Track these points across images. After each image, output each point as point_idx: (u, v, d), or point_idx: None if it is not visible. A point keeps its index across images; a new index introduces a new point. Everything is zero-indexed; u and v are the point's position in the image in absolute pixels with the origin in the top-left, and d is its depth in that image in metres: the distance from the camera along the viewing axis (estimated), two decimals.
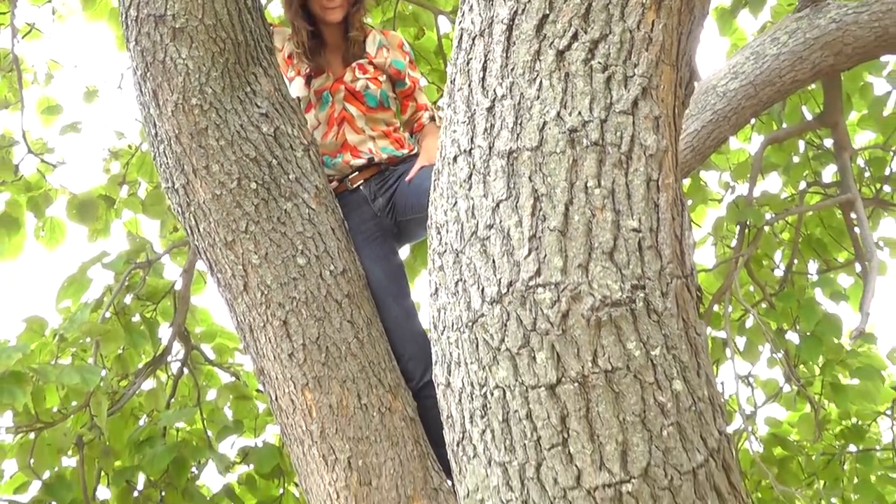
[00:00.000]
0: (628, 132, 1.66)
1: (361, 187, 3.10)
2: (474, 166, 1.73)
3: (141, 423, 4.47)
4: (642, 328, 1.60)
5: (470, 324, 1.69)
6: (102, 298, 4.01)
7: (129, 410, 4.42)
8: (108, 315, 4.01)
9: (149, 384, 4.67)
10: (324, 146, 3.11)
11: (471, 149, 1.74)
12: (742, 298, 4.64)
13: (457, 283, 1.73)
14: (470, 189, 1.73)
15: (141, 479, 4.35)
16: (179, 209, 2.84)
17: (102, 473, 4.08)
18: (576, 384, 1.59)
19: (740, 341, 5.44)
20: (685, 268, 1.67)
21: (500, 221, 1.67)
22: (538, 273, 1.62)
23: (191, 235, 2.87)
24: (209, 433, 4.56)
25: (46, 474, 3.83)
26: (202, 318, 4.60)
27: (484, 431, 1.70)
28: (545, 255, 1.62)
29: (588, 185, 1.64)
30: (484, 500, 1.73)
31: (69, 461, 3.95)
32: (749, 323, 5.35)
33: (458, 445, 1.78)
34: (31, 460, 3.60)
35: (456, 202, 1.75)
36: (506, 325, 1.64)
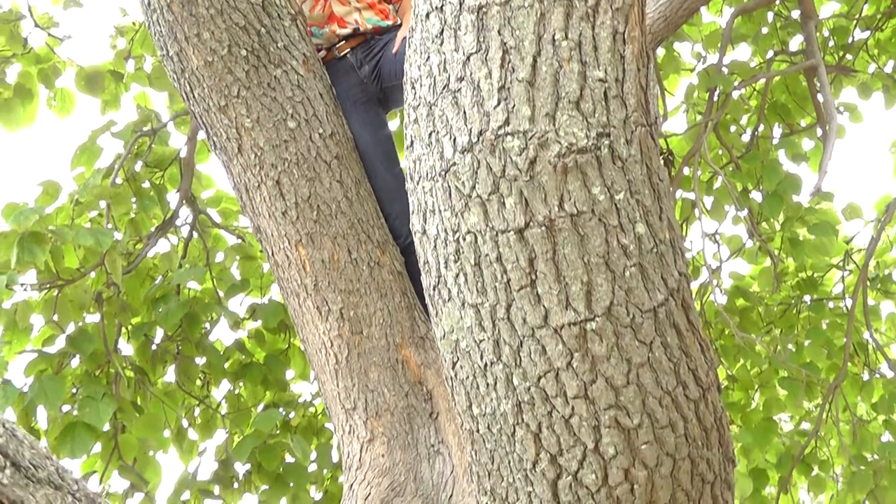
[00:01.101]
0: None
1: (348, 55, 3.01)
2: (445, 22, 1.63)
3: (156, 282, 4.44)
4: (607, 174, 1.53)
5: (443, 172, 1.62)
6: (113, 165, 3.93)
7: (145, 271, 4.38)
8: (118, 181, 3.94)
9: (164, 247, 4.65)
10: (312, 18, 3.00)
11: (442, 5, 1.64)
12: (710, 161, 4.55)
13: (430, 135, 1.65)
14: (441, 44, 1.63)
15: (159, 333, 4.35)
16: (175, 76, 2.76)
17: (122, 328, 4.07)
18: (543, 228, 1.53)
19: (708, 201, 5.39)
20: (649, 117, 1.59)
21: (471, 74, 1.58)
22: (507, 122, 1.54)
23: (187, 101, 2.79)
24: (219, 292, 4.54)
25: (71, 328, 3.83)
26: (207, 183, 4.52)
27: (457, 275, 1.64)
28: (514, 105, 1.53)
29: (556, 37, 1.54)
30: (458, 341, 1.69)
31: (92, 317, 3.93)
32: (717, 184, 5.29)
33: (433, 290, 1.73)
34: (55, 316, 3.58)
35: (429, 57, 1.66)
36: (476, 173, 1.57)
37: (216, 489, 4.45)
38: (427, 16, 1.67)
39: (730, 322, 4.45)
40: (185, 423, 4.73)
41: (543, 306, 1.55)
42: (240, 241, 4.66)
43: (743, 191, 5.16)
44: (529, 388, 1.60)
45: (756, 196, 5.18)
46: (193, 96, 2.73)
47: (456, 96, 1.60)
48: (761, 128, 5.34)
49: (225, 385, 4.87)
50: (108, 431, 3.71)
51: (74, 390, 3.66)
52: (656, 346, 1.55)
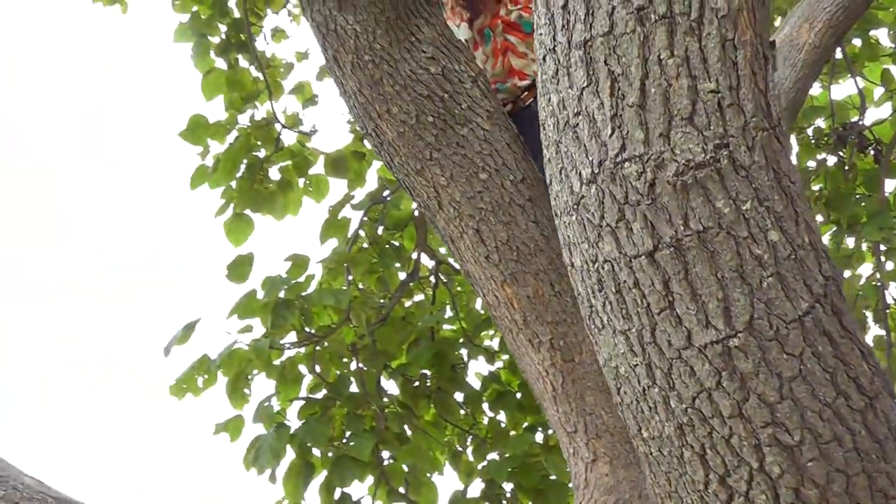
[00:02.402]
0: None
1: (532, 104, 2.94)
2: (559, 62, 1.50)
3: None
4: (730, 185, 1.34)
5: (575, 206, 1.49)
6: (357, 232, 4.07)
7: (401, 318, 4.48)
8: (365, 246, 4.07)
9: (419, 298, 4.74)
10: (493, 75, 2.96)
11: (554, 46, 1.52)
12: None
13: (560, 171, 1.53)
14: (558, 83, 1.51)
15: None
16: (376, 149, 2.80)
17: (382, 371, 4.17)
18: (671, 249, 1.36)
19: None
20: (772, 119, 1.38)
21: (585, 107, 1.44)
22: (623, 149, 1.39)
23: (390, 169, 2.82)
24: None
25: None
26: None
27: (604, 304, 1.50)
28: (627, 131, 1.38)
29: (661, 56, 1.38)
30: (617, 367, 1.54)
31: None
32: None
33: (589, 319, 1.59)
34: (317, 367, 3.72)
35: (550, 98, 1.54)
36: (602, 203, 1.42)
37: None
38: (544, 59, 1.56)
39: None
40: (460, 448, 4.77)
41: (685, 327, 1.38)
42: None
43: None
44: (686, 410, 1.42)
45: None
46: (394, 164, 2.75)
47: (575, 131, 1.47)
48: None
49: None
50: (374, 462, 3.79)
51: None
52: (807, 357, 1.33)
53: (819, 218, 4.71)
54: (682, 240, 1.35)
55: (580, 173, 1.46)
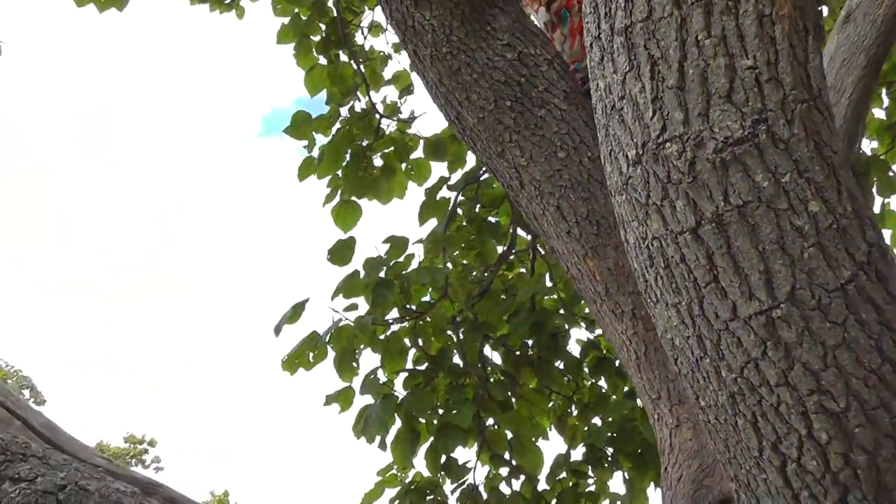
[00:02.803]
0: None
1: None
2: (604, 48, 1.51)
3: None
4: (769, 159, 1.32)
5: (624, 186, 1.49)
6: (455, 211, 4.12)
7: (502, 291, 4.52)
8: (464, 224, 4.13)
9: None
10: (571, 55, 2.94)
11: (599, 34, 1.52)
12: None
13: (610, 153, 1.53)
14: (604, 69, 1.51)
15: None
16: (460, 134, 2.84)
17: (485, 343, 4.23)
18: (713, 224, 1.35)
19: None
20: (811, 91, 1.35)
21: (629, 91, 1.44)
22: (664, 130, 1.38)
23: (475, 153, 2.86)
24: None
25: None
26: None
27: (656, 279, 1.50)
28: (668, 112, 1.38)
29: (699, 38, 1.37)
30: (673, 339, 1.54)
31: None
32: None
33: (645, 293, 1.59)
34: (420, 341, 3.81)
35: (597, 83, 1.55)
36: (648, 182, 1.43)
37: (588, 469, 4.45)
38: (591, 46, 1.56)
39: None
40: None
41: (730, 300, 1.37)
42: None
43: None
44: (736, 380, 1.41)
45: None
46: (477, 148, 2.78)
47: (621, 114, 1.47)
48: None
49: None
50: (476, 429, 3.86)
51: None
52: (850, 325, 1.30)
53: None
54: (722, 215, 1.34)
55: (626, 155, 1.47)
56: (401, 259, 3.81)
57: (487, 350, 4.30)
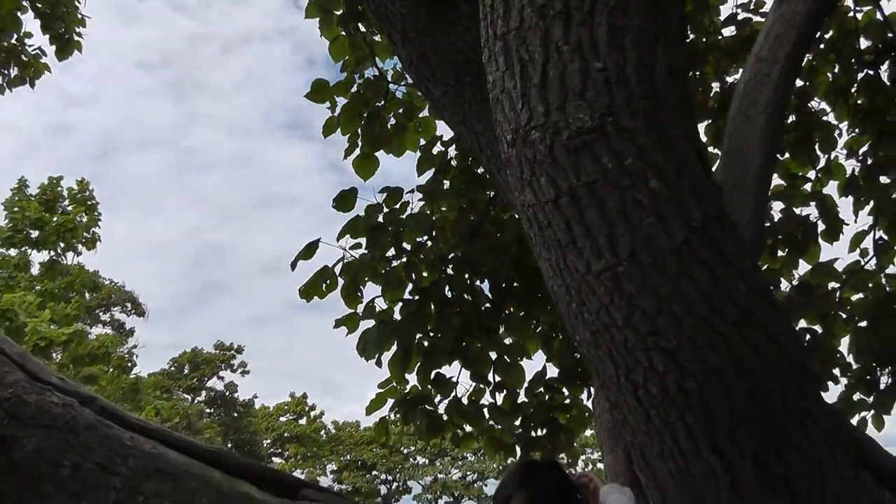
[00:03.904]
0: None
1: None
2: (490, 49, 1.63)
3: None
4: (615, 145, 1.44)
5: (507, 162, 1.63)
6: (449, 163, 4.24)
7: (495, 233, 4.63)
8: (457, 175, 4.23)
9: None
10: None
11: (486, 38, 1.63)
12: None
13: (498, 135, 1.66)
14: (490, 67, 1.63)
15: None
16: (430, 104, 2.94)
17: (475, 275, 4.36)
18: (568, 197, 1.48)
19: None
20: (656, 89, 1.46)
21: (506, 86, 1.56)
22: (530, 119, 1.51)
23: (444, 120, 2.96)
24: None
25: None
26: None
27: (534, 239, 1.64)
28: (533, 105, 1.50)
29: (559, 45, 1.48)
30: (553, 287, 1.68)
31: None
32: None
33: (535, 251, 1.73)
34: (413, 275, 3.99)
35: (489, 77, 1.66)
36: (521, 161, 1.55)
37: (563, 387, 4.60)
38: (483, 46, 1.68)
39: None
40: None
41: (585, 257, 1.51)
42: None
43: None
44: (594, 322, 1.56)
45: None
46: (444, 116, 2.88)
47: (502, 105, 1.59)
48: None
49: None
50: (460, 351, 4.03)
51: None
52: (682, 281, 1.43)
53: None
54: (576, 190, 1.47)
55: (506, 138, 1.59)
56: (396, 206, 3.95)
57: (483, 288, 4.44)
